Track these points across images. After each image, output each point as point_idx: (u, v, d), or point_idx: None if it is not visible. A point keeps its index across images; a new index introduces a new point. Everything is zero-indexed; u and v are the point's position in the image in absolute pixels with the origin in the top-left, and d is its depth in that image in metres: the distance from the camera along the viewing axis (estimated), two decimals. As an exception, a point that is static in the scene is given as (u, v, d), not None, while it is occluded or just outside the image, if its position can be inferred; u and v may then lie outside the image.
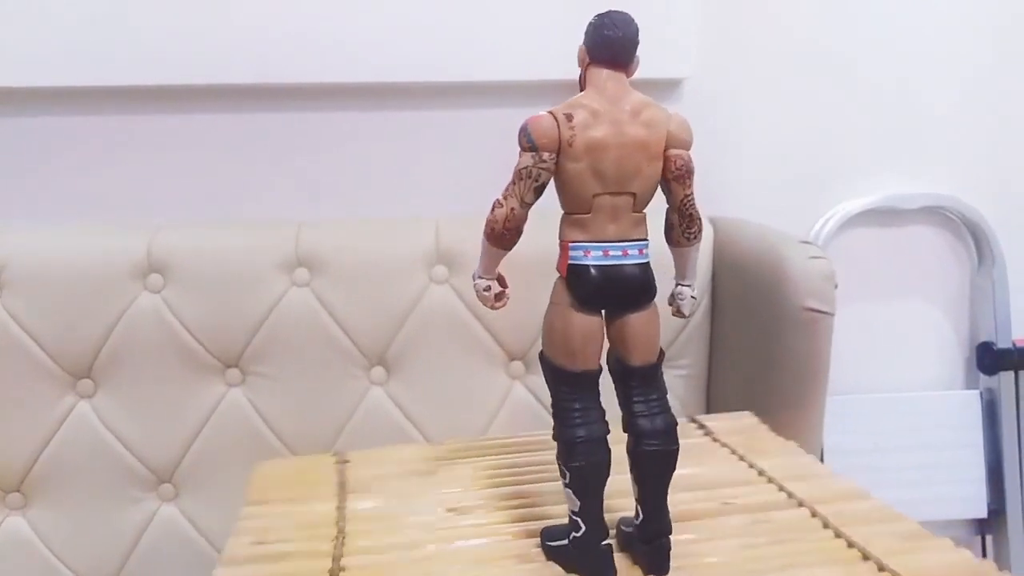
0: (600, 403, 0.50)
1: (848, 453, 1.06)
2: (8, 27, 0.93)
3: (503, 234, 0.49)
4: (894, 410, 1.11)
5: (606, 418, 0.51)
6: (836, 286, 0.81)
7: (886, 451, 1.08)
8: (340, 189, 1.02)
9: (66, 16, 0.93)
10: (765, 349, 0.84)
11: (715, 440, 0.73)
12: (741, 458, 0.68)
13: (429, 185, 1.03)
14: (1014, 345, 1.11)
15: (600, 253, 0.48)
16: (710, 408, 0.97)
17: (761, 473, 0.65)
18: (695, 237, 0.51)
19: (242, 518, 0.63)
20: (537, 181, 0.48)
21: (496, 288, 0.53)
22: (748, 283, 0.88)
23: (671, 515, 0.51)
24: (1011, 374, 1.11)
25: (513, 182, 0.49)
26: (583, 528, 0.50)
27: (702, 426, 0.76)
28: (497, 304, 0.54)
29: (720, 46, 1.03)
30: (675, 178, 0.48)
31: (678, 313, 0.53)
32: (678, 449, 0.50)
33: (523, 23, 0.97)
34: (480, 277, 0.53)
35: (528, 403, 0.97)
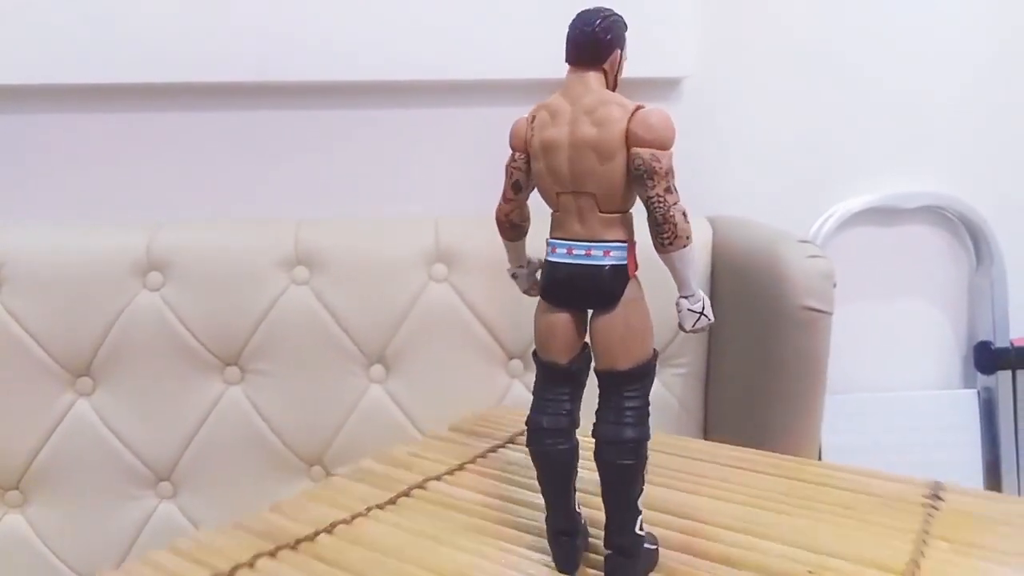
0: (574, 397, 0.50)
1: (846, 452, 1.06)
2: (7, 24, 0.93)
3: (498, 225, 0.53)
4: (892, 409, 1.11)
5: (577, 414, 0.50)
6: (835, 285, 0.81)
7: (883, 450, 1.08)
8: (339, 187, 1.02)
9: (65, 13, 0.93)
10: (763, 348, 0.84)
11: (928, 515, 0.58)
12: (921, 540, 0.55)
13: (429, 183, 1.03)
14: (1012, 345, 1.11)
15: (564, 251, 0.47)
16: (708, 406, 0.97)
17: (912, 561, 0.52)
18: (669, 243, 0.45)
19: (429, 435, 0.75)
20: (511, 179, 0.50)
21: (534, 275, 0.56)
22: (747, 282, 0.88)
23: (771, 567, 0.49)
24: (1008, 373, 1.11)
25: None
26: (546, 513, 0.51)
27: (935, 495, 0.61)
28: (531, 292, 0.56)
29: (720, 45, 1.03)
30: (635, 178, 0.45)
31: (680, 326, 0.50)
32: (633, 466, 0.47)
33: (526, 20, 0.97)
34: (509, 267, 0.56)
35: (527, 402, 0.96)
